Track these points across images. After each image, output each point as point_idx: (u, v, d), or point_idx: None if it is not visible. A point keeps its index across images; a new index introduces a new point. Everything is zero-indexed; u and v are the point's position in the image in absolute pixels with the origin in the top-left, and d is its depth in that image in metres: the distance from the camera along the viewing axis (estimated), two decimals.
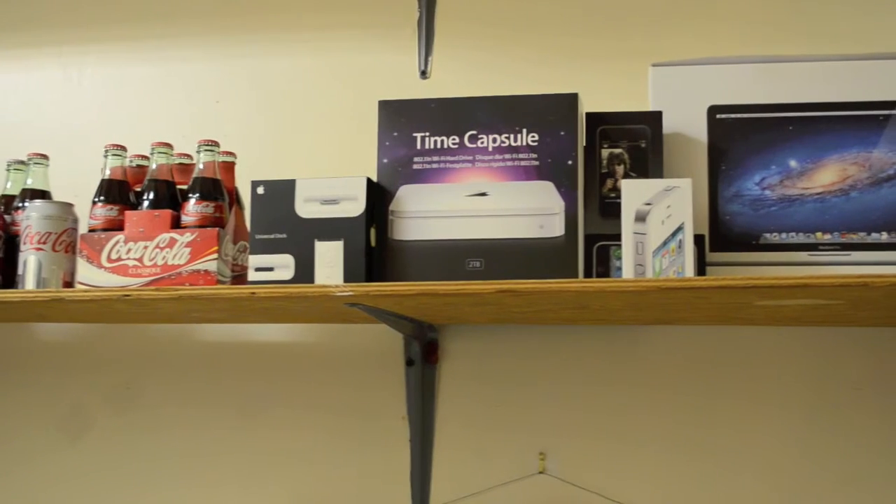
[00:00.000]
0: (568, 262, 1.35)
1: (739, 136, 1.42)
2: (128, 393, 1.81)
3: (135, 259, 1.47)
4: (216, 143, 1.51)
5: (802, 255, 1.37)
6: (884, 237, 1.36)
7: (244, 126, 1.83)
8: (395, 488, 1.66)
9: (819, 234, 1.37)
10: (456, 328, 1.67)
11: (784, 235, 1.38)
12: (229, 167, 1.56)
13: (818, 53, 1.45)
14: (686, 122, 1.44)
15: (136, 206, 1.52)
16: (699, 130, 1.44)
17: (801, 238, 1.38)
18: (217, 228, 1.46)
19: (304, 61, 1.85)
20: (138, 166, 1.59)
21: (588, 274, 1.38)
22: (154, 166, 1.52)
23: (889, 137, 1.38)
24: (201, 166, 1.50)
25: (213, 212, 1.48)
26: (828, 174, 1.39)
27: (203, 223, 1.47)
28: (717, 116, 1.43)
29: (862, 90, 1.40)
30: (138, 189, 1.54)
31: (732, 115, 1.43)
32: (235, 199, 1.55)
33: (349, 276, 1.38)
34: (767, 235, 1.39)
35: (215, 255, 1.45)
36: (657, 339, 1.61)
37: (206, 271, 1.45)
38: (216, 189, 1.49)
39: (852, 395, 1.53)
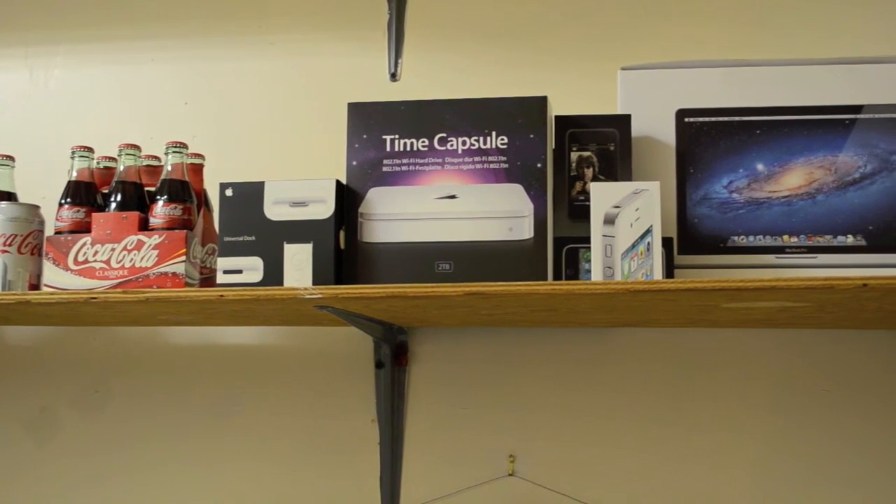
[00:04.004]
0: (537, 265, 1.36)
1: (707, 139, 1.43)
2: (95, 396, 1.79)
3: (102, 261, 1.46)
4: (184, 145, 1.50)
5: (769, 258, 1.38)
6: (849, 240, 1.37)
7: (213, 128, 1.82)
8: (364, 491, 1.66)
9: (786, 237, 1.38)
10: (426, 331, 1.67)
11: (751, 238, 1.39)
12: (198, 169, 1.55)
13: (786, 58, 1.46)
14: (655, 126, 1.45)
15: (103, 208, 1.51)
16: (668, 134, 1.44)
17: (768, 241, 1.38)
18: (185, 231, 1.45)
19: (274, 63, 1.84)
20: (105, 168, 1.58)
21: (557, 276, 1.38)
22: (122, 168, 1.51)
23: (854, 141, 1.39)
24: (169, 168, 1.49)
25: (181, 214, 1.47)
26: (794, 177, 1.40)
27: (171, 225, 1.46)
28: (686, 120, 1.44)
29: (828, 94, 1.41)
30: (105, 191, 1.53)
31: (701, 119, 1.44)
32: (204, 201, 1.54)
33: (318, 279, 1.38)
34: (735, 238, 1.39)
35: (183, 258, 1.44)
36: (626, 342, 1.61)
37: (174, 274, 1.44)
38: (184, 191, 1.49)
39: (819, 397, 1.54)
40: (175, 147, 1.49)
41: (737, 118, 1.43)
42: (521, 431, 1.62)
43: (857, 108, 1.40)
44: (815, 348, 1.55)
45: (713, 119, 1.43)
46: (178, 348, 1.78)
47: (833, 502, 1.52)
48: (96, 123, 1.87)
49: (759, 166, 1.41)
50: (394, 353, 1.65)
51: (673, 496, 1.57)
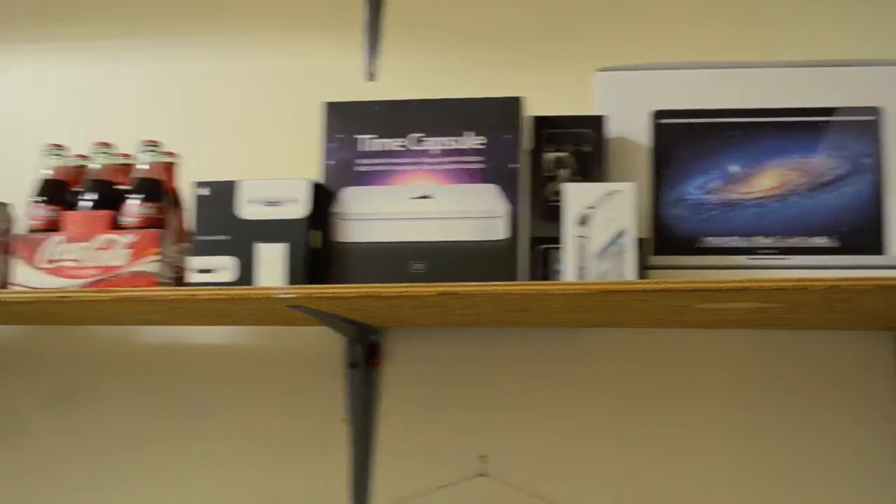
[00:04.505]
0: (511, 265, 1.36)
1: (682, 140, 1.43)
2: (66, 396, 1.78)
3: (73, 260, 1.45)
4: (158, 144, 1.49)
5: (742, 259, 1.38)
6: (821, 242, 1.37)
7: (187, 126, 1.81)
8: (335, 492, 1.65)
9: (758, 239, 1.39)
10: (399, 331, 1.67)
11: (725, 239, 1.39)
12: (171, 167, 1.54)
13: (760, 60, 1.46)
14: (630, 127, 1.45)
15: (75, 206, 1.50)
16: (643, 135, 1.45)
17: (741, 242, 1.39)
18: (158, 230, 1.44)
19: (250, 62, 1.84)
20: (78, 166, 1.56)
21: (531, 277, 1.38)
22: (95, 166, 1.50)
23: (827, 144, 1.40)
24: (142, 167, 1.48)
25: (154, 213, 1.46)
26: (768, 179, 1.40)
27: (144, 224, 1.45)
28: (661, 121, 1.45)
29: (802, 97, 1.42)
30: (78, 189, 1.51)
31: (675, 121, 1.44)
32: (177, 200, 1.53)
33: (292, 279, 1.37)
34: (708, 239, 1.40)
35: (156, 257, 1.43)
36: (599, 342, 1.62)
37: (146, 273, 1.43)
38: (157, 190, 1.48)
39: (790, 397, 1.55)
40: (148, 145, 1.49)
41: (711, 120, 1.43)
42: (493, 431, 1.62)
43: (829, 111, 1.41)
44: (787, 349, 1.56)
45: (688, 120, 1.44)
46: (150, 348, 1.77)
47: (799, 499, 1.53)
48: (69, 121, 1.86)
49: (733, 168, 1.41)
50: (366, 352, 1.64)
51: (644, 495, 1.57)
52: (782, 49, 1.61)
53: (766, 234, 1.39)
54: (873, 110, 1.40)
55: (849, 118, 1.40)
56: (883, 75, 1.41)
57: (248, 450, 1.70)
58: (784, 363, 1.56)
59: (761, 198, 1.40)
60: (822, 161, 1.40)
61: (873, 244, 1.37)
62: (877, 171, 1.39)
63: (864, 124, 1.40)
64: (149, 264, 1.43)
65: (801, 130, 1.41)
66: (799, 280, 1.17)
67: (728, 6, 1.68)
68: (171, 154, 1.55)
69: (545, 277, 1.38)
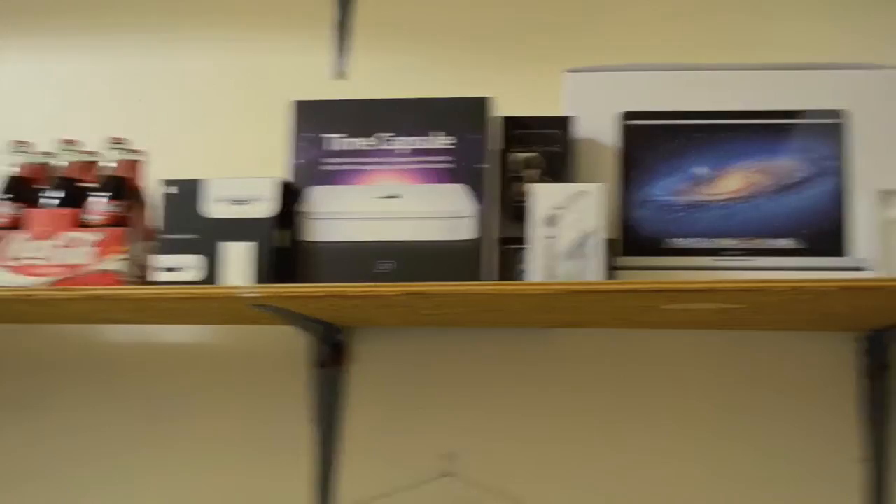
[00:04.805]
0: (478, 265, 1.36)
1: (649, 142, 1.44)
2: (30, 395, 1.77)
3: (38, 258, 1.44)
4: (124, 141, 1.49)
5: (707, 260, 1.39)
6: (785, 243, 1.38)
7: (153, 124, 1.79)
8: (300, 492, 1.65)
9: (724, 240, 1.40)
10: (365, 330, 1.67)
11: (690, 240, 1.40)
12: (137, 166, 1.53)
13: (726, 63, 1.47)
14: (598, 128, 1.46)
15: (41, 204, 1.49)
16: (611, 136, 1.45)
17: (706, 243, 1.40)
18: (124, 228, 1.44)
19: (218, 60, 1.83)
20: (44, 163, 1.55)
21: (499, 277, 1.38)
22: (60, 164, 1.49)
23: (792, 146, 1.41)
24: (108, 164, 1.47)
25: (120, 211, 1.45)
26: (733, 181, 1.41)
27: (110, 222, 1.44)
28: (628, 123, 1.45)
29: (768, 100, 1.43)
30: (43, 187, 1.50)
31: (643, 122, 1.45)
32: (144, 198, 1.52)
33: (259, 278, 1.37)
34: (674, 240, 1.41)
35: (122, 255, 1.42)
36: (566, 342, 1.62)
37: (112, 271, 1.42)
38: (124, 188, 1.47)
39: (755, 397, 1.56)
40: (115, 143, 1.48)
41: (679, 121, 1.44)
42: (459, 432, 1.62)
43: (795, 114, 1.42)
44: (751, 350, 1.57)
45: (656, 122, 1.45)
46: (116, 346, 1.76)
47: (763, 499, 1.54)
48: (35, 118, 1.84)
49: (699, 170, 1.42)
50: (333, 352, 1.64)
51: (611, 493, 1.58)
52: (749, 52, 1.63)
53: (732, 236, 1.39)
54: (838, 113, 1.41)
55: (814, 121, 1.41)
56: (847, 79, 1.42)
57: (213, 449, 1.70)
58: (750, 364, 1.57)
59: (727, 199, 1.41)
60: (787, 163, 1.41)
61: (837, 246, 1.38)
62: (841, 173, 1.40)
63: (829, 127, 1.41)
64: (114, 263, 1.42)
65: (767, 133, 1.42)
66: (763, 281, 1.18)
67: (696, 9, 1.69)
68: (137, 152, 1.54)
69: (513, 278, 1.38)
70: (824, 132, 1.41)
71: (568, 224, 1.30)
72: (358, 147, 1.42)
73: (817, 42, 1.64)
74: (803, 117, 1.42)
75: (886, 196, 1.33)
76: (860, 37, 1.64)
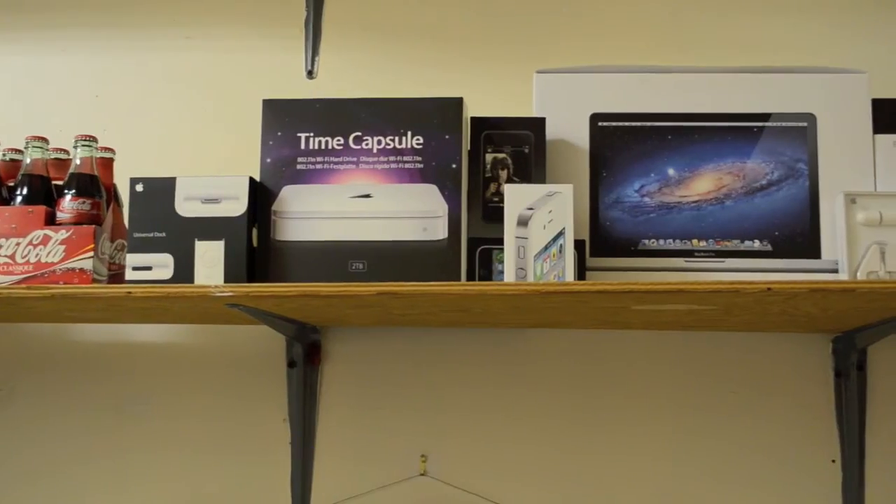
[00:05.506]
0: (450, 265, 1.36)
1: (620, 143, 1.45)
2: (0, 395, 1.75)
3: (6, 256, 1.42)
4: (94, 139, 1.47)
5: (679, 262, 1.40)
6: (756, 245, 1.40)
7: (124, 122, 1.78)
8: (276, 491, 1.64)
9: (695, 241, 1.41)
10: (339, 330, 1.66)
11: (661, 242, 1.41)
12: (108, 163, 1.52)
13: (698, 65, 1.48)
14: (569, 129, 1.46)
15: (8, 201, 1.47)
16: (582, 137, 1.46)
17: (677, 245, 1.41)
18: (94, 226, 1.42)
19: (189, 58, 1.82)
20: (11, 160, 1.53)
21: (471, 277, 1.38)
22: (28, 160, 1.47)
23: (762, 148, 1.42)
24: (78, 162, 1.46)
25: (89, 209, 1.44)
26: (704, 183, 1.42)
27: (79, 220, 1.43)
28: (599, 124, 1.46)
29: (738, 102, 1.44)
30: (11, 184, 1.49)
31: (614, 123, 1.46)
32: (114, 196, 1.51)
33: (230, 277, 1.37)
34: (646, 241, 1.41)
35: (91, 254, 1.41)
36: (538, 343, 1.62)
37: (81, 270, 1.41)
38: (93, 185, 1.45)
39: (726, 397, 1.57)
40: (84, 140, 1.46)
41: (649, 123, 1.45)
42: (433, 431, 1.62)
43: (765, 116, 1.43)
44: (722, 350, 1.58)
45: (626, 123, 1.45)
46: (86, 346, 1.74)
47: (736, 499, 1.55)
48: (2, 115, 1.82)
49: (671, 171, 1.43)
50: (306, 351, 1.64)
51: (583, 494, 1.58)
52: (719, 55, 1.64)
53: (703, 237, 1.41)
54: (807, 116, 1.43)
55: (783, 124, 1.43)
56: (817, 83, 1.44)
57: (188, 449, 1.69)
58: (722, 364, 1.58)
59: (698, 201, 1.42)
60: (757, 165, 1.42)
61: (807, 248, 1.39)
62: (811, 176, 1.41)
63: (799, 130, 1.42)
64: (84, 261, 1.41)
65: (738, 135, 1.43)
66: (732, 283, 1.18)
67: (668, 12, 1.70)
68: (107, 149, 1.53)
69: (484, 278, 1.38)
70: (793, 135, 1.42)
71: (540, 224, 1.31)
72: (329, 146, 1.42)
73: (785, 46, 1.65)
74: (773, 120, 1.43)
75: (853, 199, 1.34)
76: (827, 42, 1.66)
